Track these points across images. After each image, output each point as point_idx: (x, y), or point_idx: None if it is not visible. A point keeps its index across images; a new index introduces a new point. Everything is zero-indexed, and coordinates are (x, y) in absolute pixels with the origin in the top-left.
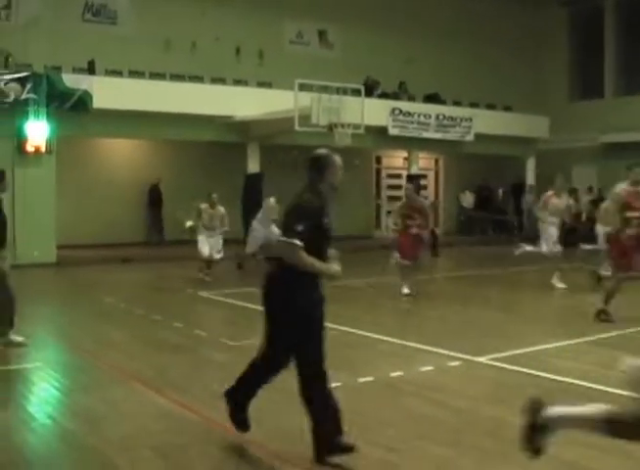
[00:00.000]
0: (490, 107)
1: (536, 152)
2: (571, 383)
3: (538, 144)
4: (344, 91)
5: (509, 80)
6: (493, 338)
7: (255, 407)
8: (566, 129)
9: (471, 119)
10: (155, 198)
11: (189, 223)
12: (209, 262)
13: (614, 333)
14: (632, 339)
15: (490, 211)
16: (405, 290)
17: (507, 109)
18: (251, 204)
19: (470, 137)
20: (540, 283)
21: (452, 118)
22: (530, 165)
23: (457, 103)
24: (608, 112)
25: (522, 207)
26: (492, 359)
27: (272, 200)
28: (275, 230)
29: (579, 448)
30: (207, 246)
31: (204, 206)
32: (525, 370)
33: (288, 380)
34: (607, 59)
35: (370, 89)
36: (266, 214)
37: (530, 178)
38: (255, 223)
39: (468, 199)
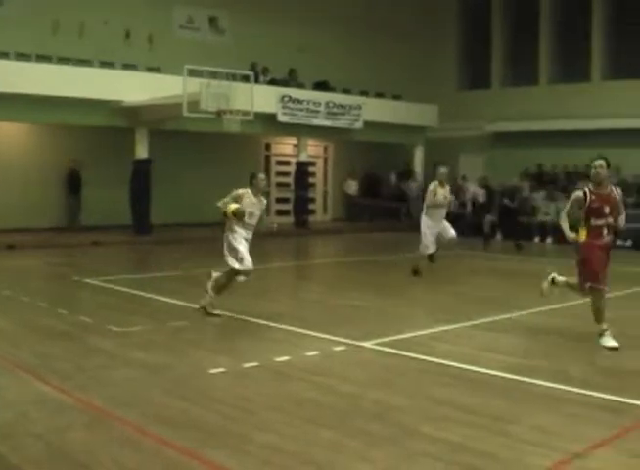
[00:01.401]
0: (380, 95)
1: (425, 140)
2: (453, 366)
3: (427, 132)
4: (234, 77)
5: (399, 69)
6: (379, 323)
7: (133, 392)
8: (454, 118)
9: (360, 107)
10: (73, 183)
11: (233, 207)
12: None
13: (496, 318)
14: (514, 322)
15: (378, 198)
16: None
17: (396, 97)
18: (139, 190)
19: (359, 125)
20: (427, 268)
21: (342, 106)
22: (419, 153)
23: (347, 91)
24: (495, 102)
25: (408, 193)
26: (377, 344)
27: (262, 175)
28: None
29: (464, 429)
30: (248, 253)
31: (242, 191)
32: (409, 354)
33: (163, 364)
34: (494, 50)
35: (259, 76)
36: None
37: (418, 166)
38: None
39: (352, 186)
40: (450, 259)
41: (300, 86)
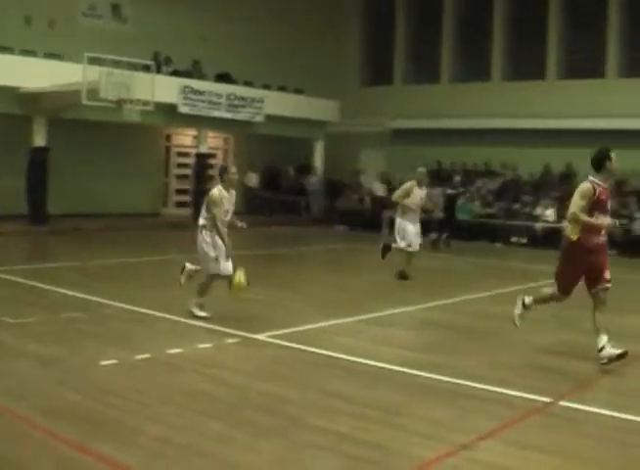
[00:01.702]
0: (282, 89)
1: (326, 135)
2: (344, 359)
3: (328, 127)
4: (136, 67)
5: (302, 64)
6: (274, 315)
7: (25, 383)
8: (356, 114)
9: (262, 100)
10: None
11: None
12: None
13: (390, 311)
14: (408, 316)
15: (280, 191)
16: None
17: (298, 91)
18: (35, 179)
19: (260, 118)
20: (327, 261)
21: (243, 99)
22: (319, 148)
23: (249, 83)
24: (397, 98)
25: (307, 188)
26: (271, 337)
27: (233, 168)
28: None
29: (353, 421)
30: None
31: (217, 194)
32: (302, 347)
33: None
34: (397, 47)
35: (162, 66)
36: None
37: (318, 160)
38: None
39: (252, 179)
40: (349, 254)
41: (204, 78)
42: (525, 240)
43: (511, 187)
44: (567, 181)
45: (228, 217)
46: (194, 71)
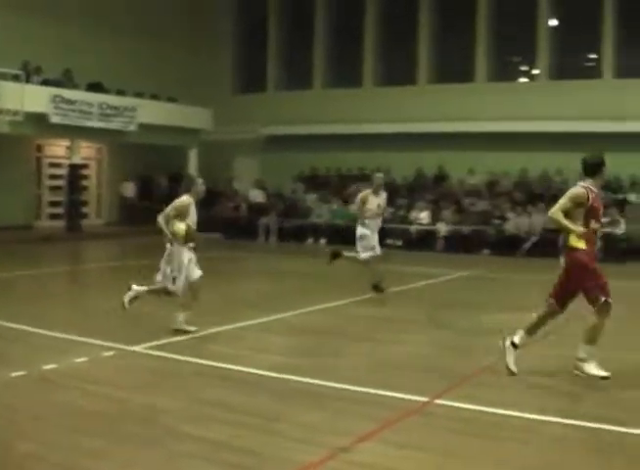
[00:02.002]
0: (155, 97)
1: (200, 143)
2: (221, 367)
3: (202, 135)
4: (4, 76)
5: (175, 72)
6: (149, 326)
7: None
8: (229, 121)
9: (134, 109)
10: None
11: (182, 228)
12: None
13: (267, 318)
14: (284, 322)
15: (153, 200)
16: None
17: (171, 100)
18: None
19: (133, 127)
20: (204, 270)
21: (115, 108)
22: (193, 156)
23: (121, 92)
24: (270, 105)
25: None
26: (147, 348)
27: (200, 179)
28: None
29: (230, 428)
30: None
31: (187, 200)
32: (178, 357)
33: None
34: (270, 53)
35: (31, 75)
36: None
37: (193, 169)
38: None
39: (129, 188)
40: (225, 263)
41: (75, 87)
42: (400, 242)
43: (386, 191)
44: (440, 184)
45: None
46: (65, 81)
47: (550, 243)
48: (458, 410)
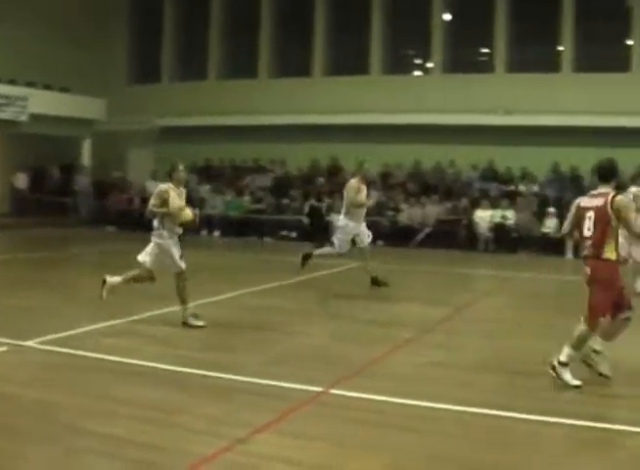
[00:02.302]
0: (48, 87)
1: (94, 133)
2: (118, 361)
3: (95, 125)
4: None
5: (68, 61)
6: (43, 321)
7: None
8: (124, 112)
9: (26, 99)
10: None
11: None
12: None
13: (163, 311)
14: (179, 316)
15: (46, 192)
16: None
17: (64, 90)
18: None
19: (25, 117)
20: (97, 264)
21: (6, 97)
22: (87, 147)
23: (12, 82)
24: (165, 96)
25: (75, 188)
26: (41, 343)
27: (181, 165)
28: None
29: (130, 423)
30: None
31: (166, 187)
32: (73, 352)
33: None
34: (165, 43)
35: None
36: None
37: (86, 159)
38: None
39: (20, 180)
40: (119, 255)
41: None
42: (294, 234)
43: (282, 183)
44: (334, 175)
45: None
46: None
47: (443, 234)
48: (353, 400)
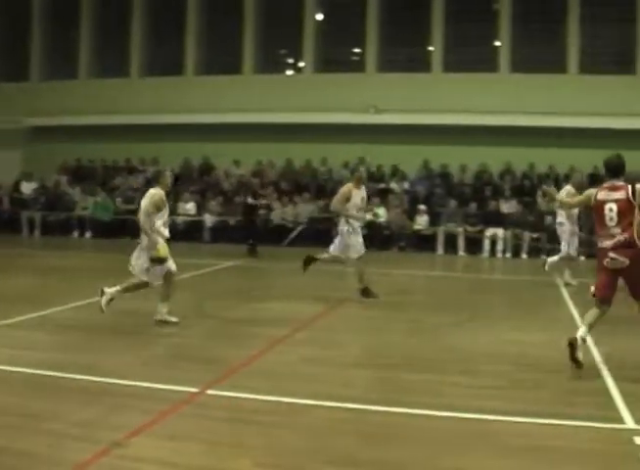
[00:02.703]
0: None
1: None
2: None
3: None
4: None
5: None
6: None
7: None
8: None
9: None
10: None
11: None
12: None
13: (30, 315)
14: (49, 319)
15: None
16: None
17: None
18: None
19: None
20: None
21: None
22: None
23: None
24: (33, 94)
25: None
26: None
27: (168, 171)
28: None
29: (1, 431)
30: None
31: (158, 193)
32: None
33: None
34: (34, 41)
35: None
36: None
37: None
38: None
39: None
40: None
41: None
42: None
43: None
44: (206, 175)
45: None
46: None
47: (316, 232)
48: (228, 399)
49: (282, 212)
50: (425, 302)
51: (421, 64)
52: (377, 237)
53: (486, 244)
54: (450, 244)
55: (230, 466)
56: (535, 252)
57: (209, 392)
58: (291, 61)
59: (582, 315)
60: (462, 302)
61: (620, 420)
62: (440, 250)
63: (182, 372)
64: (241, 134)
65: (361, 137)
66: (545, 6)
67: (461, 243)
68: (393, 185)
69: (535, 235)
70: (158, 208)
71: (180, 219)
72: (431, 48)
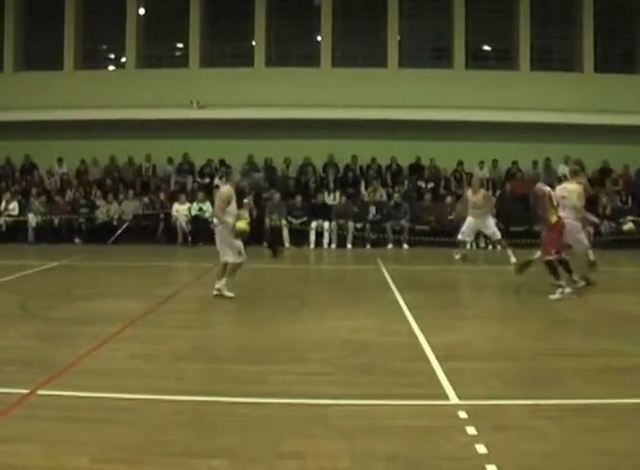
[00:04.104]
0: None
1: None
2: None
3: None
4: None
5: None
6: None
7: None
8: None
9: None
10: None
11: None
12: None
13: None
14: None
15: None
16: None
17: None
18: None
19: None
20: None
21: None
22: None
23: None
24: None
25: None
26: None
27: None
28: None
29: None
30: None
31: (230, 190)
32: None
33: None
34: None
35: None
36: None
37: None
38: None
39: None
40: None
41: None
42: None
43: None
44: (28, 173)
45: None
46: None
47: (142, 229)
48: (60, 398)
49: (107, 210)
50: (254, 294)
51: (244, 58)
52: (203, 232)
53: (312, 235)
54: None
55: (68, 465)
56: (361, 242)
57: (40, 392)
58: (112, 56)
59: (407, 301)
60: (290, 292)
61: (445, 396)
62: (265, 243)
63: (10, 374)
64: (65, 131)
65: (186, 133)
66: (366, 3)
67: (286, 235)
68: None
69: (359, 225)
70: (228, 201)
71: (1, 220)
72: (254, 43)
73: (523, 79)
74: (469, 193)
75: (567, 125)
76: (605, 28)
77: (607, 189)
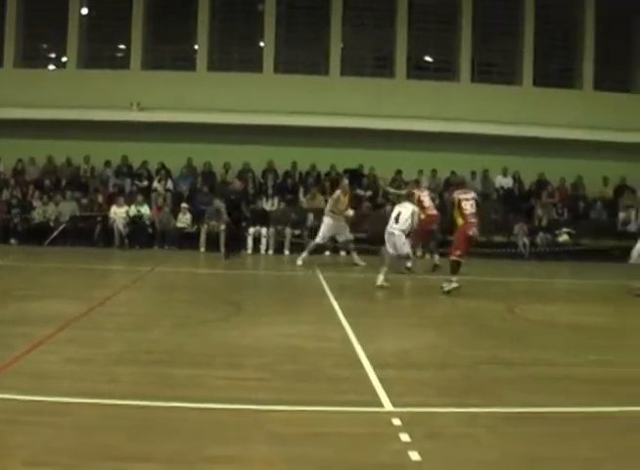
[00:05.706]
0: None
1: None
2: None
3: None
4: None
5: None
6: None
7: None
8: None
9: None
10: None
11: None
12: None
13: None
14: None
15: None
16: None
17: None
18: None
19: None
20: None
21: None
22: None
23: None
24: None
25: None
26: None
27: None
28: None
29: None
30: None
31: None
32: None
33: None
34: None
35: None
36: None
37: None
38: None
39: None
40: None
41: None
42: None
43: None
44: None
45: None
46: None
47: (79, 231)
48: None
49: (44, 211)
50: (190, 298)
51: (186, 62)
52: (140, 235)
53: (249, 241)
54: (213, 242)
55: None
56: (299, 248)
57: None
58: (54, 55)
59: (343, 308)
60: (228, 297)
61: (380, 404)
62: (203, 248)
63: None
64: (2, 129)
65: (125, 135)
66: (309, 10)
67: (223, 241)
68: (157, 183)
69: (297, 232)
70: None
71: None
72: (196, 46)
73: (463, 91)
74: (341, 195)
75: (505, 137)
76: (545, 44)
77: (543, 201)
